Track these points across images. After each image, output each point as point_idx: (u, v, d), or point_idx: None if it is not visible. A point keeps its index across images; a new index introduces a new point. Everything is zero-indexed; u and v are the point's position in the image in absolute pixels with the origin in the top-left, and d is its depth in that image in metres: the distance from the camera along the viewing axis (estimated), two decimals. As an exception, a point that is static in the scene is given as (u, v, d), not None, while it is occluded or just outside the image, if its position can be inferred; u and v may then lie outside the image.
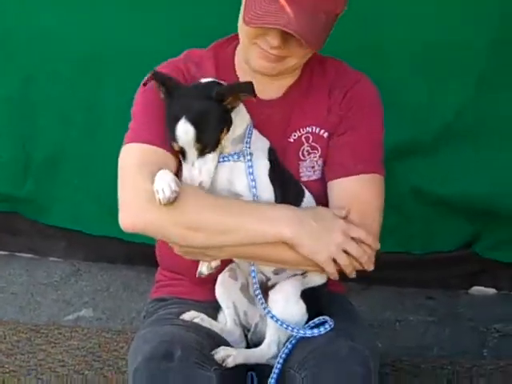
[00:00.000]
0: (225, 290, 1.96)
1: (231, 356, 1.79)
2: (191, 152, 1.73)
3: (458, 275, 3.33)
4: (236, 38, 1.96)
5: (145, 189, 1.75)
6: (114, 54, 3.15)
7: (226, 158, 1.81)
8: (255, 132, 1.86)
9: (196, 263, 2.00)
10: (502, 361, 2.76)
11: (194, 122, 1.71)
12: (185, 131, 1.71)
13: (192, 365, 1.69)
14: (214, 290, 1.97)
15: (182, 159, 1.77)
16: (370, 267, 1.83)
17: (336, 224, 1.81)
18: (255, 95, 1.74)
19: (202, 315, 1.94)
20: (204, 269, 1.87)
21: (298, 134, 1.96)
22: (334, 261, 1.80)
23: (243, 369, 1.86)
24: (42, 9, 3.16)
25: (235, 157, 1.81)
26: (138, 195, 1.77)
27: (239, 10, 1.87)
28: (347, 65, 2.01)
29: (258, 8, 1.76)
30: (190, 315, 1.94)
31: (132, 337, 2.07)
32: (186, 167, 1.75)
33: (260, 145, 1.85)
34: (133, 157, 1.87)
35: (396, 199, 3.01)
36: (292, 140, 1.96)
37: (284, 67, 1.88)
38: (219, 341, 1.88)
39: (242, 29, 1.85)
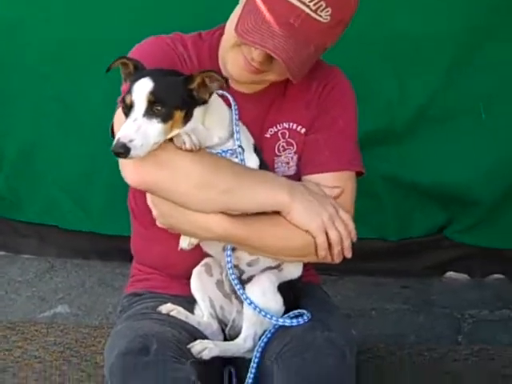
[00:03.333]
0: (200, 284, 1.95)
1: (207, 348, 1.79)
2: (140, 105, 1.65)
3: (431, 263, 3.37)
4: (222, 27, 1.94)
5: None
6: (87, 45, 3.12)
7: (220, 154, 1.79)
8: (243, 128, 1.85)
9: (171, 257, 2.01)
10: (477, 346, 2.81)
11: (155, 81, 1.67)
12: (143, 84, 1.67)
13: (168, 358, 1.69)
14: (189, 284, 1.96)
15: (126, 117, 1.68)
16: (349, 255, 1.84)
17: (327, 199, 1.84)
18: (227, 85, 1.71)
19: (179, 308, 1.94)
20: (184, 244, 1.85)
21: (274, 129, 1.96)
22: (325, 234, 1.80)
23: (220, 362, 1.86)
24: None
25: (228, 153, 1.79)
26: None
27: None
28: (321, 59, 2.00)
29: (252, 23, 1.75)
30: (167, 308, 1.94)
31: (109, 332, 2.07)
32: (125, 123, 1.65)
33: (245, 142, 1.84)
34: (121, 120, 1.78)
35: (369, 186, 3.05)
36: (268, 135, 1.95)
37: (260, 79, 1.87)
38: (196, 334, 1.87)
39: (231, 30, 1.82)
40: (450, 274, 3.39)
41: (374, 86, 3.04)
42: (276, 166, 1.95)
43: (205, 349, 1.79)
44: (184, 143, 1.69)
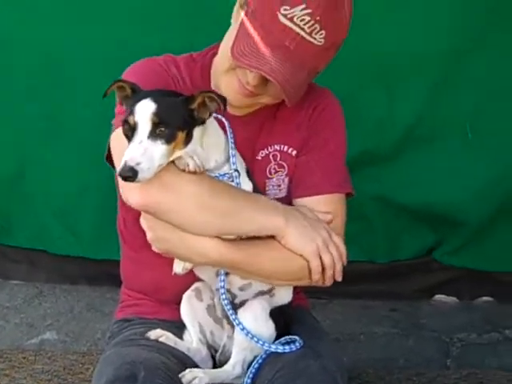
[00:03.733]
0: (190, 310, 1.95)
1: (197, 378, 1.79)
2: (144, 127, 1.64)
3: (419, 286, 3.37)
4: (213, 48, 1.96)
5: None
6: (75, 62, 3.11)
7: (218, 178, 1.80)
8: (238, 153, 1.85)
9: (161, 282, 2.02)
10: (465, 370, 2.80)
11: (157, 102, 1.66)
12: (145, 105, 1.66)
13: (156, 386, 1.69)
14: (178, 309, 1.96)
15: (129, 141, 1.66)
16: (340, 278, 1.84)
17: (320, 223, 1.85)
18: (225, 105, 1.71)
19: (168, 333, 1.93)
20: (178, 269, 1.85)
21: (265, 151, 1.97)
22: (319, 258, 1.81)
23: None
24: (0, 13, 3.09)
25: (226, 177, 1.80)
26: None
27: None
28: (312, 80, 2.03)
29: (249, 46, 1.76)
30: (156, 334, 1.93)
31: (97, 358, 2.07)
32: (130, 146, 1.64)
33: (240, 165, 1.85)
34: (124, 140, 1.77)
35: (359, 208, 3.05)
36: (260, 158, 1.97)
37: (253, 102, 1.89)
38: (185, 361, 1.87)
39: (226, 52, 1.82)
40: (438, 296, 3.39)
41: (362, 107, 3.06)
42: (267, 188, 1.96)
43: (195, 378, 1.78)
44: (188, 165, 1.69)
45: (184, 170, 1.70)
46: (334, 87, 2.05)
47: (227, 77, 1.86)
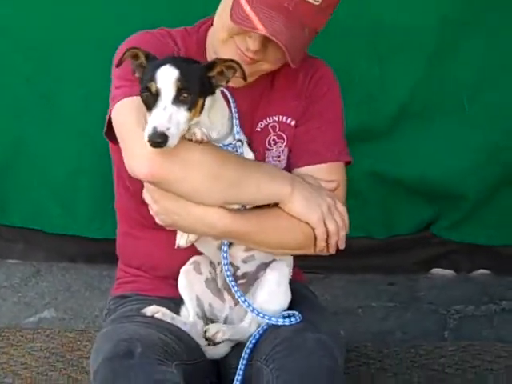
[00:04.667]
0: (188, 283, 1.95)
1: (221, 331, 1.82)
2: (168, 93, 1.62)
3: (417, 259, 3.37)
4: (207, 21, 1.95)
5: None
6: (70, 43, 3.09)
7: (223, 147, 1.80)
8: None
9: (157, 257, 2.02)
10: (463, 342, 2.81)
11: (179, 67, 1.65)
12: (168, 71, 1.64)
13: (153, 361, 1.69)
14: (175, 285, 1.96)
15: (150, 108, 1.64)
16: (343, 246, 1.86)
17: (324, 190, 1.86)
18: (245, 76, 1.71)
19: (164, 309, 1.93)
20: (182, 241, 1.85)
21: (264, 123, 1.96)
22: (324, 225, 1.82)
23: (204, 366, 1.88)
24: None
25: (229, 147, 1.80)
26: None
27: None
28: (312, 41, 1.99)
29: (247, 9, 1.74)
30: (151, 310, 1.93)
31: (95, 336, 2.06)
32: (154, 112, 1.62)
33: (242, 137, 1.84)
34: (131, 109, 1.78)
35: (354, 183, 3.03)
36: (259, 129, 1.96)
37: (254, 70, 1.87)
38: (181, 336, 1.87)
39: (223, 22, 1.82)
40: (436, 270, 3.40)
41: (356, 79, 3.04)
42: (267, 159, 1.96)
43: (218, 331, 1.82)
44: (194, 134, 1.68)
45: (191, 140, 1.68)
46: (326, 57, 2.03)
47: (226, 46, 1.84)
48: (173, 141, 1.60)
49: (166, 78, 1.63)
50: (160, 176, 1.71)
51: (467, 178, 3.18)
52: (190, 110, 1.64)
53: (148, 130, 1.59)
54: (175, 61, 1.68)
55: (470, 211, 3.26)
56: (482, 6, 3.01)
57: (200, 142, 1.68)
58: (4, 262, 3.47)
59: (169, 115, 1.61)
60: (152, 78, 1.64)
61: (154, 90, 1.63)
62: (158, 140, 1.58)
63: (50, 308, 3.14)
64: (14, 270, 3.42)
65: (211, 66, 1.70)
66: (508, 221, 3.25)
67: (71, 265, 3.45)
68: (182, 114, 1.63)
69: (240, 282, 1.90)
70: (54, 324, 3.01)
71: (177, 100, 1.63)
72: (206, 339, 1.84)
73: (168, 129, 1.59)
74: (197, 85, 1.66)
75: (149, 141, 1.59)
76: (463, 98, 3.12)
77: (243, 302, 1.83)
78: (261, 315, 1.82)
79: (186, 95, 1.63)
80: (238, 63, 1.71)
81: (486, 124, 3.14)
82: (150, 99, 1.64)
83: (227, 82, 1.73)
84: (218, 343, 1.84)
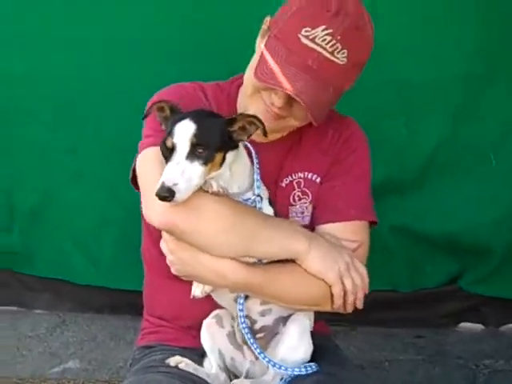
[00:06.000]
0: (210, 336, 1.95)
1: None
2: (182, 148, 1.65)
3: (445, 313, 3.33)
4: (239, 77, 1.98)
5: None
6: (97, 94, 3.13)
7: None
8: (260, 181, 1.86)
9: (181, 308, 2.02)
10: (492, 397, 2.77)
11: (197, 122, 1.68)
12: (185, 126, 1.67)
13: (176, 411, 1.68)
14: (199, 336, 1.96)
15: (166, 161, 1.67)
16: (360, 305, 1.84)
17: (342, 248, 1.85)
18: (265, 132, 1.73)
19: (187, 360, 1.92)
20: (198, 292, 1.85)
21: (290, 178, 1.97)
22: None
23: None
24: (16, 48, 3.12)
25: (248, 202, 1.81)
26: None
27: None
28: (335, 109, 2.02)
29: (272, 67, 1.78)
30: (175, 360, 1.93)
31: (119, 387, 2.06)
32: (167, 167, 1.65)
33: (262, 192, 1.85)
34: (153, 159, 1.81)
35: (380, 237, 3.03)
36: (284, 185, 1.97)
37: (281, 126, 1.89)
38: (204, 387, 1.86)
39: (250, 77, 1.85)
40: (464, 324, 3.35)
41: (382, 135, 3.05)
42: (291, 215, 1.96)
43: None
44: (211, 186, 1.70)
45: (207, 191, 1.71)
46: (353, 115, 2.05)
47: (253, 101, 1.87)
48: (181, 195, 1.63)
49: (183, 132, 1.66)
50: (174, 225, 1.73)
51: (494, 231, 3.16)
52: (206, 164, 1.67)
53: (158, 184, 1.63)
54: (196, 115, 1.71)
55: (497, 265, 3.23)
56: (503, 61, 3.03)
57: (216, 194, 1.70)
58: (30, 313, 3.49)
59: (181, 170, 1.64)
60: (170, 133, 1.67)
61: (169, 144, 1.67)
62: (165, 195, 1.61)
63: (75, 358, 3.14)
64: (39, 320, 3.43)
65: (233, 121, 1.72)
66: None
67: (96, 315, 3.46)
68: (196, 169, 1.66)
69: (258, 335, 1.89)
70: (78, 375, 3.01)
71: (192, 155, 1.66)
72: None
73: (175, 184, 1.62)
74: (215, 140, 1.69)
75: (156, 195, 1.62)
76: (489, 151, 3.12)
77: (259, 354, 1.82)
78: (277, 366, 1.81)
79: (201, 150, 1.66)
80: (259, 119, 1.72)
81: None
82: (167, 153, 1.67)
83: (249, 137, 1.75)
84: None
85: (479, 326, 3.34)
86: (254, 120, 1.72)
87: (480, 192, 3.15)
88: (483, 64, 3.02)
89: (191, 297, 1.85)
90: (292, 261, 1.81)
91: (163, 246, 1.83)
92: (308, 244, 1.79)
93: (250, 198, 1.81)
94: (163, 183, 1.62)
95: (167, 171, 1.64)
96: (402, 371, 3.02)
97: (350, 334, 3.24)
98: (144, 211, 1.79)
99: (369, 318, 3.18)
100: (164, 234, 1.81)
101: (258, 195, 1.82)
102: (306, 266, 1.79)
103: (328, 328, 2.18)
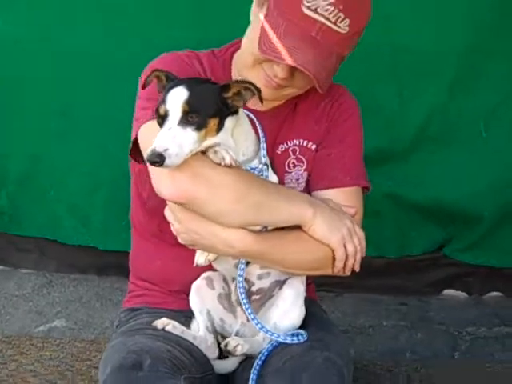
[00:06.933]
0: (199, 298, 1.95)
1: (240, 345, 1.83)
2: (174, 115, 1.65)
3: (430, 280, 3.36)
4: (234, 44, 1.97)
5: None
6: (90, 58, 3.11)
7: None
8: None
9: (170, 272, 2.03)
10: (473, 363, 2.80)
11: (190, 89, 1.67)
12: (177, 93, 1.67)
13: (161, 374, 1.69)
14: (187, 299, 1.96)
15: (160, 127, 1.67)
16: (358, 268, 1.87)
17: (344, 214, 1.87)
18: (261, 98, 1.71)
19: (174, 322, 1.93)
20: (201, 260, 1.86)
21: (285, 146, 1.98)
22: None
23: (212, 380, 1.88)
24: (12, 14, 3.11)
25: (256, 170, 1.81)
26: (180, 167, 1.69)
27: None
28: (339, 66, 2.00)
29: (276, 39, 1.77)
30: (162, 322, 1.93)
31: (105, 346, 2.07)
32: (159, 133, 1.65)
33: (267, 161, 1.85)
34: (156, 132, 1.77)
35: (371, 204, 3.03)
36: (279, 152, 1.98)
37: (280, 94, 1.89)
38: (191, 350, 1.87)
39: (252, 48, 1.83)
40: (448, 291, 3.38)
41: (376, 103, 3.04)
42: (286, 182, 1.97)
43: (238, 345, 1.83)
44: (223, 159, 1.70)
45: (220, 164, 1.70)
46: (346, 82, 2.05)
47: (253, 71, 1.87)
48: (171, 160, 1.62)
49: (175, 99, 1.66)
50: (185, 197, 1.72)
51: (482, 200, 3.18)
52: (199, 130, 1.66)
53: (148, 150, 1.62)
54: (189, 82, 1.70)
55: (483, 234, 3.25)
56: (505, 35, 3.01)
57: (229, 166, 1.70)
58: (17, 272, 3.49)
59: (172, 136, 1.63)
60: (163, 101, 1.67)
61: (162, 111, 1.67)
62: (155, 160, 1.61)
63: (61, 318, 3.15)
64: (25, 280, 3.44)
65: (227, 87, 1.71)
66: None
67: (83, 276, 3.46)
68: (188, 135, 1.65)
69: (254, 297, 1.91)
70: (64, 333, 3.02)
71: (184, 121, 1.65)
72: (226, 352, 1.85)
73: (166, 149, 1.61)
74: (208, 106, 1.68)
75: (147, 160, 1.62)
76: (480, 123, 3.13)
77: (253, 319, 1.83)
78: (269, 333, 1.83)
79: (193, 116, 1.65)
80: (254, 85, 1.71)
81: (502, 149, 3.15)
82: (160, 120, 1.67)
83: (244, 103, 1.74)
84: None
85: (463, 294, 3.37)
86: (249, 86, 1.71)
87: (469, 162, 3.17)
88: (481, 38, 3.01)
89: (194, 265, 1.86)
90: (296, 227, 1.82)
91: (169, 214, 1.83)
92: (313, 211, 1.80)
93: (257, 167, 1.81)
94: (154, 149, 1.61)
95: (158, 137, 1.63)
96: (385, 336, 3.05)
97: (336, 299, 3.27)
98: (154, 184, 1.77)
99: (355, 285, 3.21)
100: (170, 203, 1.80)
101: (265, 163, 1.82)
102: (311, 232, 1.81)
103: (315, 293, 2.20)
